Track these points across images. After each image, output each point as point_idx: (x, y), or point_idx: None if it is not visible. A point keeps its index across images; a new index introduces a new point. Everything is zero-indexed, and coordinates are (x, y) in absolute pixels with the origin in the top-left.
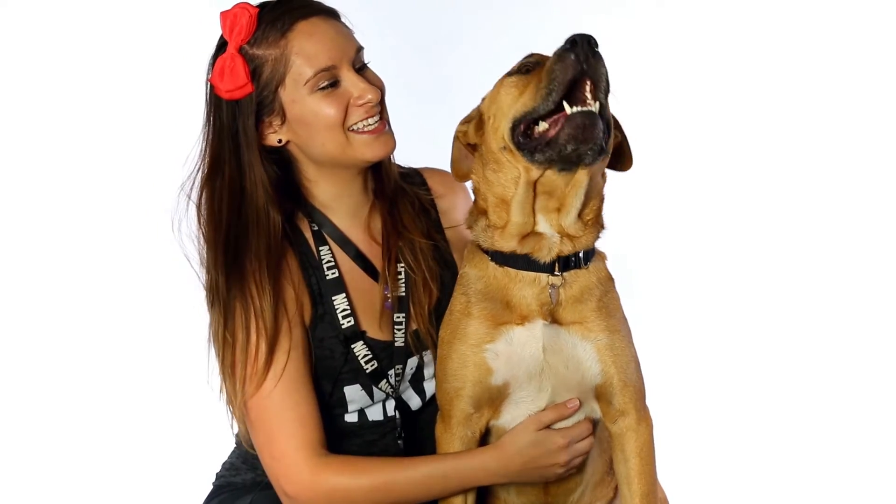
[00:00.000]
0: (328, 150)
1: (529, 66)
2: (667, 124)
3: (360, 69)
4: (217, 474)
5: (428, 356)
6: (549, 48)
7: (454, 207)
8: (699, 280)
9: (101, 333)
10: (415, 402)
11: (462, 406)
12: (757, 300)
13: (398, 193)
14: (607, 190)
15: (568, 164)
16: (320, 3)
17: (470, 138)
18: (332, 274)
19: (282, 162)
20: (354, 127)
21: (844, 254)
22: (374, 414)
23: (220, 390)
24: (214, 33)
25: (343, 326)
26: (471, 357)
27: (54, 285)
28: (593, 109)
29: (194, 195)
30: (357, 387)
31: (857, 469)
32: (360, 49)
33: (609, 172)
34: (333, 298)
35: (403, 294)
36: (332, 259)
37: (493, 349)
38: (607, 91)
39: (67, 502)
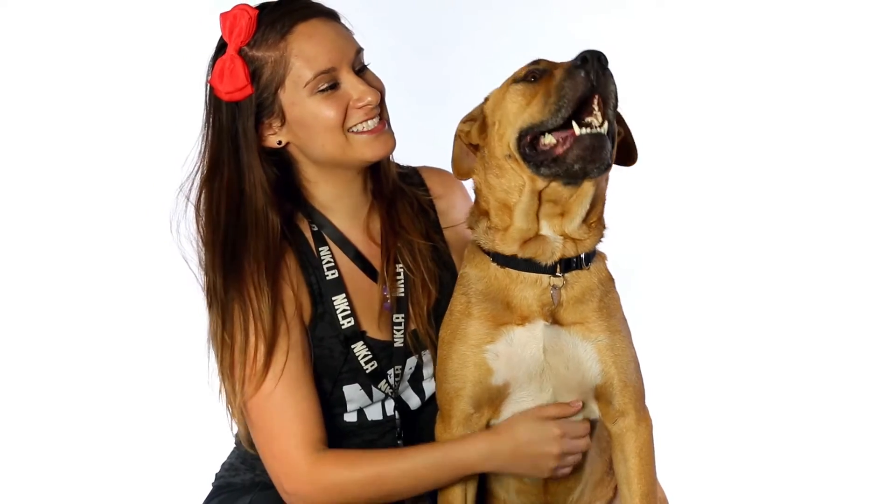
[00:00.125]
0: (328, 151)
1: (536, 75)
2: (666, 124)
3: (360, 71)
4: (216, 475)
5: (427, 356)
6: (548, 48)
7: (453, 207)
8: (699, 280)
9: (100, 334)
10: (414, 401)
11: (462, 406)
12: (756, 300)
13: (396, 194)
14: (607, 189)
15: (574, 178)
16: (320, 5)
17: (472, 139)
18: (332, 274)
19: (281, 163)
20: (354, 128)
21: (844, 254)
22: (374, 413)
23: (220, 391)
24: (214, 34)
25: (343, 327)
26: (471, 357)
27: (53, 286)
28: (602, 132)
29: (193, 196)
30: (356, 386)
31: (857, 469)
32: (359, 50)
33: (613, 167)
34: (333, 299)
35: (402, 295)
36: (332, 259)
37: (494, 350)
38: (615, 107)
39: (67, 502)
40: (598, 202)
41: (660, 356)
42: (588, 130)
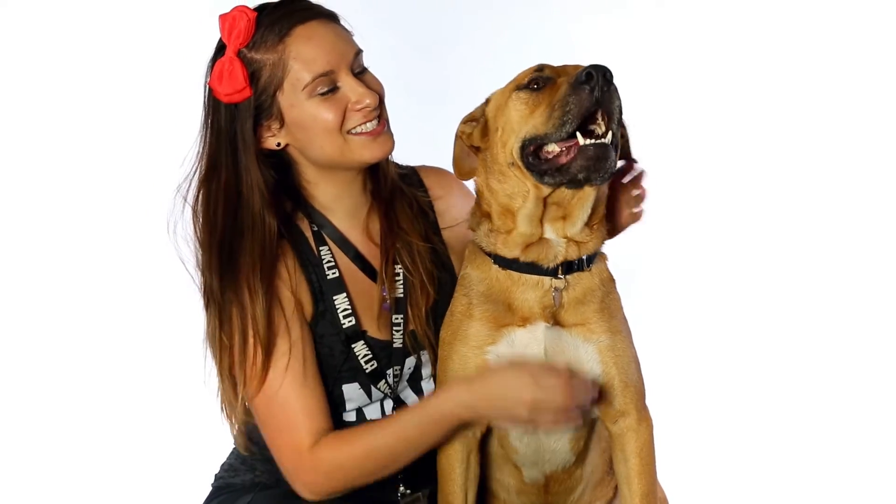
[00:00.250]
0: (327, 152)
1: (540, 83)
2: (666, 124)
3: (360, 73)
4: (216, 475)
5: (425, 356)
6: (548, 48)
7: (452, 207)
8: (699, 280)
9: (99, 335)
10: (412, 401)
11: None
12: (757, 300)
13: (395, 194)
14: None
15: (577, 185)
16: (319, 7)
17: (474, 141)
18: (333, 274)
19: (281, 164)
20: (353, 130)
21: (844, 254)
22: (373, 413)
23: (217, 392)
24: (214, 35)
25: (344, 326)
26: (472, 359)
27: (53, 286)
28: (606, 142)
29: (190, 197)
30: (356, 385)
31: (857, 469)
32: (358, 52)
33: None
34: (334, 298)
35: (402, 295)
36: (332, 259)
37: (495, 351)
38: (619, 120)
39: (68, 502)
40: (599, 204)
41: (660, 356)
42: (592, 141)
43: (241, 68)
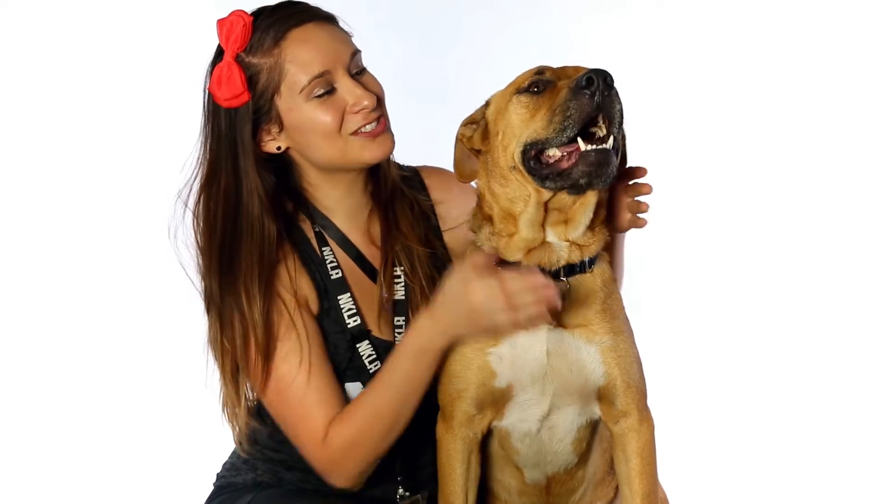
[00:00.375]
0: (327, 155)
1: (540, 86)
2: (666, 125)
3: (358, 73)
4: (217, 475)
5: None
6: (548, 48)
7: (455, 209)
8: (700, 280)
9: (101, 335)
10: None
11: (464, 408)
12: (757, 300)
13: (395, 196)
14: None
15: (578, 190)
16: (316, 9)
17: (475, 144)
18: (336, 274)
19: (283, 166)
20: (352, 132)
21: (844, 253)
22: None
23: (219, 393)
24: (215, 40)
25: (349, 326)
26: (474, 360)
27: (54, 287)
28: (607, 147)
29: (191, 202)
30: (358, 384)
31: (857, 469)
32: (356, 53)
33: None
34: (339, 298)
35: (402, 297)
36: (335, 259)
37: (497, 353)
38: (621, 125)
39: (68, 502)
40: (600, 207)
41: (661, 356)
42: (593, 147)
43: (239, 73)
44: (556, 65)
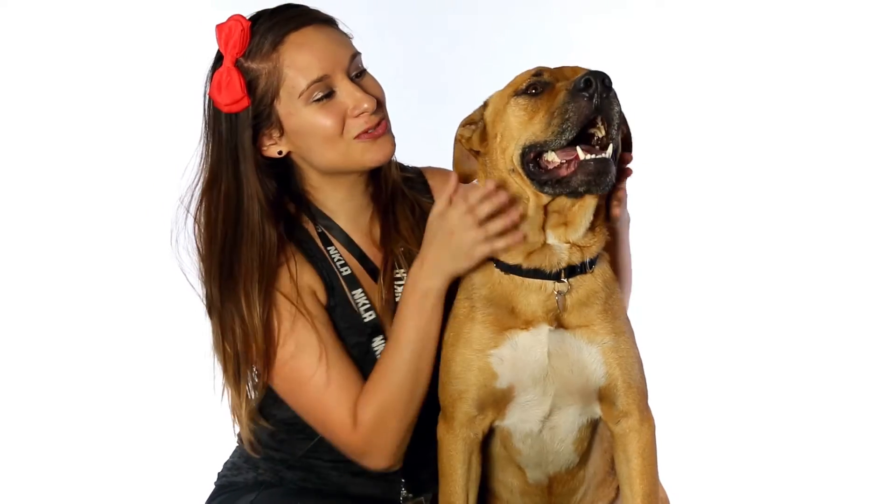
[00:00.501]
0: (328, 158)
1: (538, 88)
2: (666, 124)
3: (359, 75)
4: (219, 474)
5: None
6: (548, 48)
7: None
8: (700, 280)
9: (103, 337)
10: None
11: (465, 408)
12: (758, 300)
13: (396, 199)
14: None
15: (577, 195)
16: (315, 12)
17: (473, 145)
18: (346, 270)
19: (285, 170)
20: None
21: (844, 253)
22: None
23: (222, 396)
24: (215, 44)
25: (366, 320)
26: (475, 362)
27: (55, 288)
28: (606, 156)
29: (192, 207)
30: None
31: (857, 469)
32: (356, 55)
33: None
34: (353, 293)
35: None
36: (342, 257)
37: (498, 354)
38: (619, 127)
39: (69, 502)
40: (600, 209)
41: (661, 356)
42: (592, 156)
43: (239, 78)
44: (555, 65)
